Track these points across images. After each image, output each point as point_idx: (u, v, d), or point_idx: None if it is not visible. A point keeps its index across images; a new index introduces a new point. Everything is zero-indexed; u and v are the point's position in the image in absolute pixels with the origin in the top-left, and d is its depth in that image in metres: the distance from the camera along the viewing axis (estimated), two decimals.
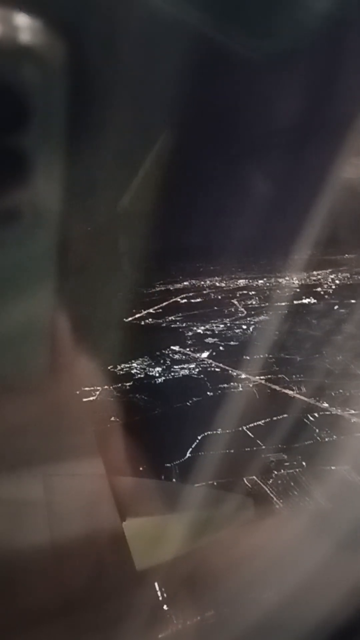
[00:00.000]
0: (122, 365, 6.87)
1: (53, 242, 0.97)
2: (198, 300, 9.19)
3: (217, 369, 6.44)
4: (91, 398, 6.18)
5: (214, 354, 6.91)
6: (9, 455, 1.31)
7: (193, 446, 4.73)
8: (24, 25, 0.76)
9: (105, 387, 6.32)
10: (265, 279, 9.65)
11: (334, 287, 8.80)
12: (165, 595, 1.56)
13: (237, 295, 9.21)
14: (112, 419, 5.71)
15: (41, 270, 0.99)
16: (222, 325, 7.91)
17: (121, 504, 1.66)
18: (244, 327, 7.73)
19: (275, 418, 5.07)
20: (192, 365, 6.71)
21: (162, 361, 6.92)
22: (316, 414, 5.12)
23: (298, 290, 8.84)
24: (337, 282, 8.97)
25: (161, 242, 8.99)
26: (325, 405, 5.31)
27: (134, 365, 6.87)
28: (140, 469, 4.37)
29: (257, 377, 6.03)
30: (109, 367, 6.84)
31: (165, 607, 1.55)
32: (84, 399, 6.02)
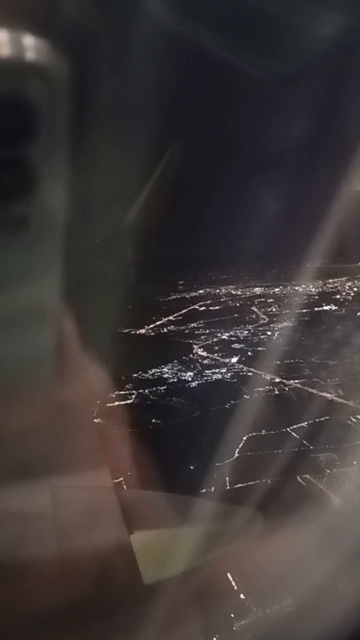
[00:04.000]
0: (153, 370, 6.95)
1: (61, 252, 0.99)
2: (217, 307, 9.28)
3: (249, 374, 6.53)
4: (128, 401, 6.28)
5: (243, 359, 7.01)
6: (18, 466, 1.32)
7: (240, 446, 4.81)
8: (30, 45, 0.81)
9: (140, 390, 6.41)
10: (281, 287, 9.76)
11: (352, 294, 8.93)
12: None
13: (256, 302, 9.31)
14: (153, 420, 5.81)
15: (50, 278, 1.01)
16: (246, 332, 8.00)
17: (128, 516, 1.66)
18: (269, 333, 7.83)
19: (317, 420, 5.17)
20: (224, 370, 6.80)
21: (192, 366, 7.01)
22: (358, 416, 5.22)
23: (317, 297, 8.97)
24: (355, 289, 9.10)
25: (172, 252, 9.13)
26: None
27: (165, 370, 6.95)
28: (191, 467, 4.46)
29: (292, 381, 6.13)
30: (139, 372, 6.92)
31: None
32: (121, 402, 6.10)
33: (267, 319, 8.42)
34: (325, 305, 8.56)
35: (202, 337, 8.02)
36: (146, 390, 6.44)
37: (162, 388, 6.47)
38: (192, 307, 9.24)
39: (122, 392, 6.35)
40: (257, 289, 9.91)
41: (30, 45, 0.81)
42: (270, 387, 6.12)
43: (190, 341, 7.86)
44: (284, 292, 9.60)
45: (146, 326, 8.44)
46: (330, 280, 9.59)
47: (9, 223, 0.91)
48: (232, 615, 1.88)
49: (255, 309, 8.99)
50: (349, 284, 9.41)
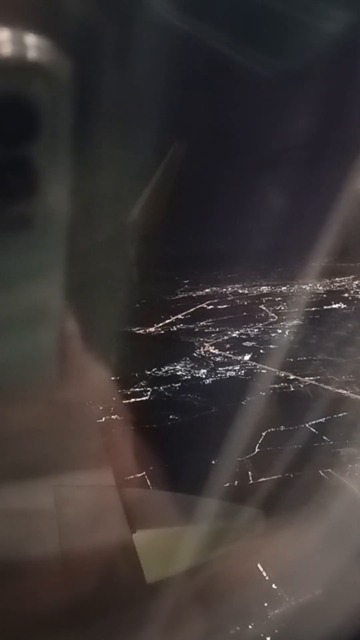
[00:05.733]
0: (166, 368, 6.99)
1: (65, 252, 0.98)
2: (225, 306, 9.31)
3: (263, 371, 6.58)
4: (144, 398, 6.32)
5: (256, 356, 7.05)
6: (19, 465, 1.31)
7: (260, 441, 4.86)
8: (33, 44, 0.81)
9: (155, 387, 6.45)
10: (288, 286, 9.80)
11: None
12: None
13: (264, 301, 9.34)
14: (171, 417, 5.85)
15: (54, 277, 1.00)
16: (256, 330, 8.04)
17: (131, 515, 1.65)
18: (279, 331, 7.88)
19: (335, 416, 5.22)
20: (237, 367, 6.84)
21: (205, 363, 7.05)
22: None
23: (325, 296, 9.01)
24: None
25: (175, 251, 9.17)
26: None
27: (178, 367, 6.99)
28: (212, 462, 4.50)
29: (307, 378, 6.18)
30: (153, 369, 6.96)
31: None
32: (137, 399, 6.13)
33: (277, 317, 8.46)
34: (334, 304, 8.61)
35: (213, 335, 8.06)
36: (161, 387, 6.48)
37: (177, 385, 6.51)
38: (199, 306, 9.27)
39: (137, 390, 6.39)
40: (263, 287, 9.93)
41: (33, 44, 0.81)
42: (285, 383, 6.17)
43: (201, 339, 7.90)
44: (291, 290, 9.63)
45: (155, 325, 8.47)
46: (337, 278, 9.63)
47: (12, 222, 0.91)
48: (266, 604, 1.93)
49: (264, 308, 9.02)
50: (356, 282, 9.47)
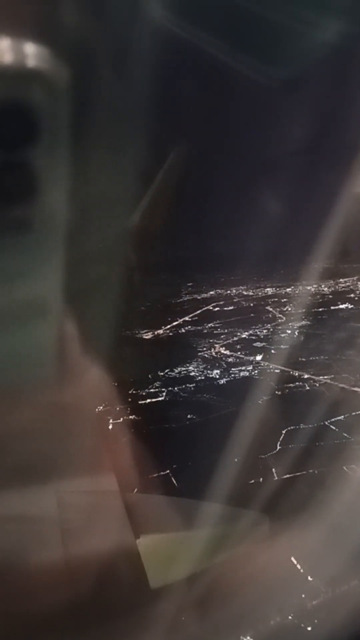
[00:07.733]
0: (179, 369, 7.02)
1: (65, 255, 0.99)
2: (231, 308, 9.35)
3: (276, 370, 6.62)
4: (159, 399, 6.34)
5: (268, 356, 7.09)
6: (22, 470, 1.31)
7: (280, 439, 4.90)
8: (31, 52, 0.84)
9: (170, 388, 6.48)
10: (292, 287, 9.85)
11: None
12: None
13: (270, 302, 9.39)
14: (189, 416, 5.87)
15: (54, 280, 1.01)
16: (265, 331, 8.09)
17: (135, 521, 1.66)
18: (288, 331, 7.93)
19: (354, 413, 5.27)
20: (250, 367, 6.88)
21: (217, 364, 7.09)
22: None
23: (331, 296, 9.08)
24: None
25: (177, 255, 9.21)
26: None
27: (191, 368, 7.02)
28: (235, 460, 4.53)
29: (321, 377, 6.23)
30: (166, 371, 6.99)
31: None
32: (152, 400, 6.14)
33: (285, 318, 8.51)
34: (341, 304, 8.68)
35: (222, 336, 8.10)
36: (176, 388, 6.50)
37: (192, 386, 6.54)
38: (205, 308, 9.31)
39: (152, 390, 6.42)
40: (268, 289, 9.98)
41: (32, 52, 0.84)
42: (300, 382, 6.22)
43: (211, 340, 7.94)
44: (297, 292, 9.69)
45: (163, 327, 8.50)
46: (341, 280, 9.71)
47: (12, 225, 0.92)
48: (303, 596, 1.95)
49: (271, 309, 9.07)
50: None
